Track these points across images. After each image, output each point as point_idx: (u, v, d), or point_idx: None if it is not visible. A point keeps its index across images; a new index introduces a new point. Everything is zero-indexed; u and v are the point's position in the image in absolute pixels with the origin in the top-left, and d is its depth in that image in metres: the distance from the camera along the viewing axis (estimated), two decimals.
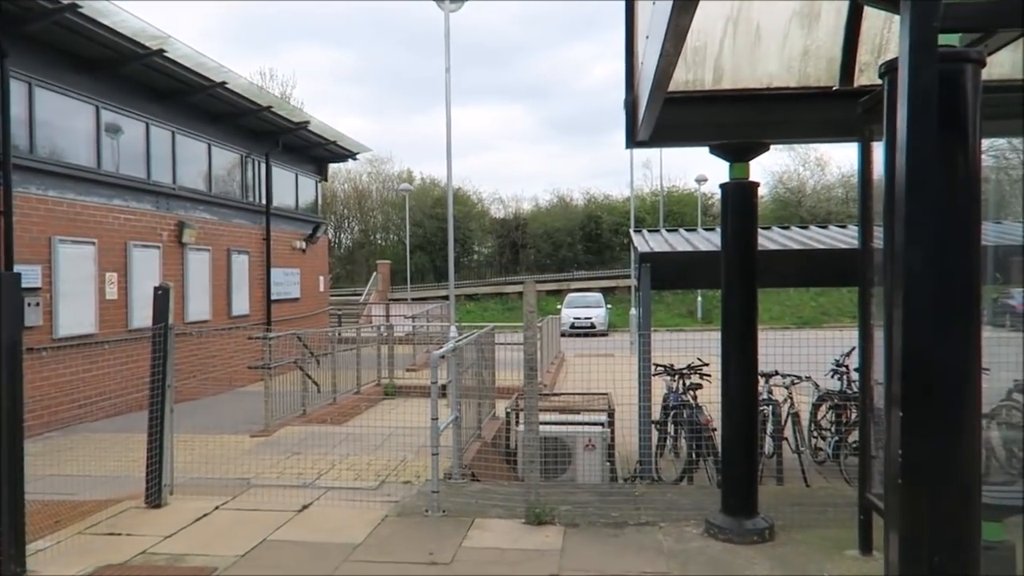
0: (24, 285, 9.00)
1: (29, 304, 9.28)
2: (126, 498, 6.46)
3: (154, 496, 6.23)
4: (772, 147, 5.93)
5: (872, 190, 4.89)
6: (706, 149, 5.82)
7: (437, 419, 6.19)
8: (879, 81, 3.84)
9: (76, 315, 10.28)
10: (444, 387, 7.08)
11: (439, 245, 44.27)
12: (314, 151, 18.72)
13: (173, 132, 12.90)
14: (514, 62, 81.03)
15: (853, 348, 8.55)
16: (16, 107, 9.33)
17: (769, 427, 8.66)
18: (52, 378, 9.78)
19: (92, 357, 10.56)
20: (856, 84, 5.32)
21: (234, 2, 68.69)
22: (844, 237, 10.36)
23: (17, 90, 9.37)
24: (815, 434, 9.62)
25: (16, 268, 9.01)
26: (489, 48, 77.75)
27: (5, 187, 8.99)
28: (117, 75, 11.08)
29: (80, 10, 9.25)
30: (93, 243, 10.70)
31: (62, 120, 10.40)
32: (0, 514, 4.51)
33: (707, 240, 10.51)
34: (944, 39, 3.03)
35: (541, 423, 6.63)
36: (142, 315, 10.87)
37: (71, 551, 5.28)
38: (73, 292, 10.24)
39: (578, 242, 47.94)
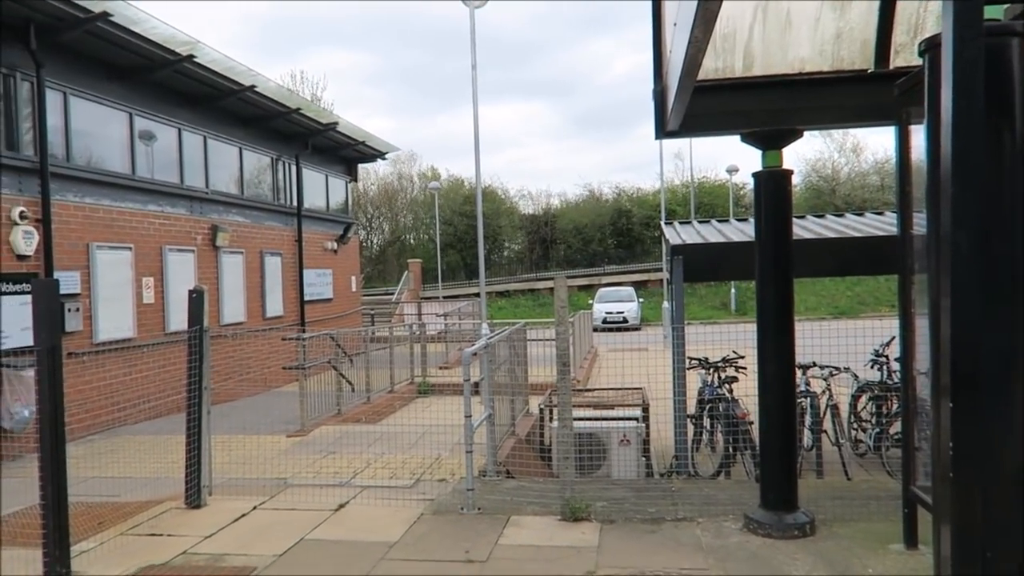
0: (64, 291, 9.23)
1: (69, 310, 9.46)
2: (166, 499, 6.55)
3: (193, 497, 6.30)
4: (806, 133, 5.80)
5: (911, 175, 4.75)
6: (737, 138, 5.72)
7: (471, 416, 6.18)
8: (916, 62, 3.72)
9: (115, 320, 10.46)
10: (477, 384, 7.06)
11: (469, 243, 44.35)
12: (343, 152, 18.84)
13: (205, 137, 13.06)
14: (535, 59, 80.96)
15: (893, 338, 8.36)
16: (52, 116, 9.51)
17: (808, 419, 8.51)
18: (93, 382, 9.96)
19: (131, 361, 10.74)
20: (892, 66, 5.17)
21: (255, 6, 69.43)
22: (881, 224, 10.14)
23: (53, 100, 9.55)
24: (855, 426, 9.43)
25: (56, 274, 9.19)
26: (509, 46, 77.68)
27: (44, 195, 9.16)
28: (149, 82, 11.24)
29: (111, 19, 9.39)
30: (130, 248, 10.87)
31: (97, 128, 10.58)
32: (46, 516, 4.59)
33: (740, 231, 10.36)
34: (989, 12, 2.92)
35: (575, 419, 6.58)
36: (178, 318, 11.03)
37: (114, 552, 5.36)
38: (111, 297, 10.42)
39: (608, 236, 47.68)
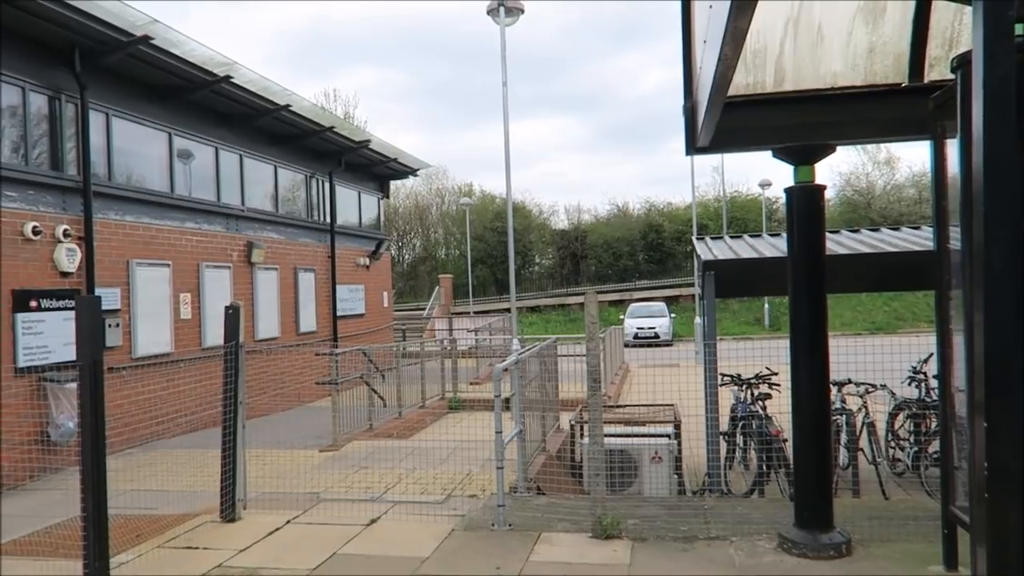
0: (105, 307, 9.45)
1: (110, 325, 9.69)
2: (202, 512, 6.65)
3: (228, 511, 6.39)
4: (839, 148, 5.76)
5: (947, 189, 4.69)
6: (769, 153, 5.70)
7: (501, 432, 6.19)
8: (951, 76, 3.69)
9: (153, 335, 10.68)
10: (507, 400, 7.07)
11: (500, 258, 44.48)
12: (375, 169, 19.08)
13: (241, 155, 13.33)
14: (564, 73, 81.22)
15: (931, 354, 8.20)
16: (95, 137, 9.79)
17: (843, 437, 8.37)
18: (132, 396, 10.17)
19: (168, 375, 10.94)
20: (927, 79, 5.13)
21: (290, 27, 70.77)
22: (918, 239, 9.98)
23: (96, 121, 9.83)
24: (893, 444, 9.25)
25: (97, 291, 9.42)
26: (538, 61, 78.10)
27: (86, 214, 9.41)
28: (187, 102, 11.52)
29: (152, 42, 9.66)
30: (168, 265, 11.11)
31: (137, 147, 10.86)
32: (86, 528, 4.69)
33: (772, 246, 10.27)
34: (1021, 29, 2.89)
35: (606, 435, 6.56)
36: (214, 334, 11.21)
37: (151, 565, 5.45)
38: (150, 312, 10.64)
39: (639, 251, 47.50)
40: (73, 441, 8.36)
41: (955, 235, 4.31)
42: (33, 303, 8.58)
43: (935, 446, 7.70)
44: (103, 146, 10.06)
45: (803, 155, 5.48)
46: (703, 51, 4.26)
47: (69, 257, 9.11)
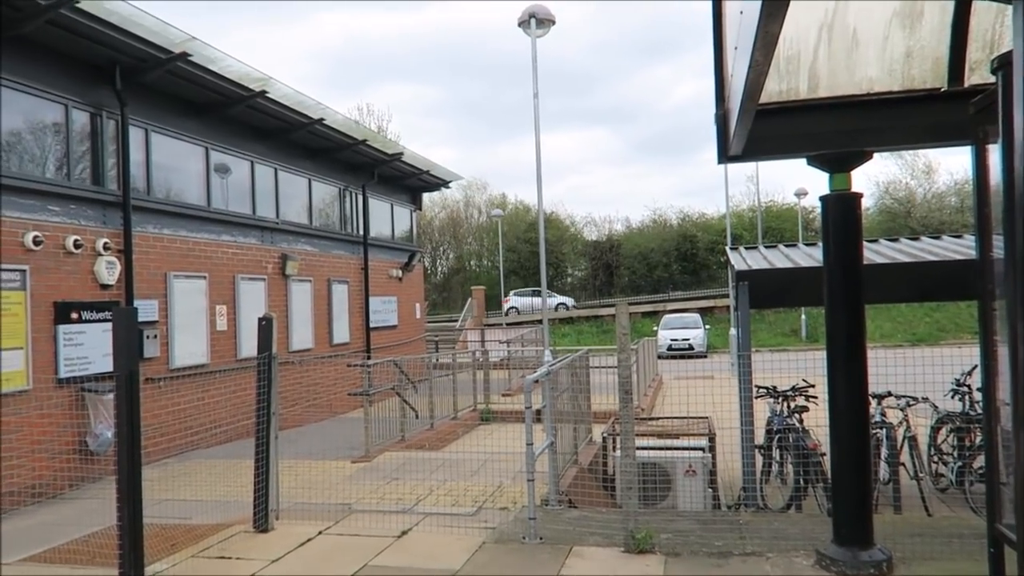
0: (143, 319, 9.63)
1: (148, 337, 9.85)
2: (236, 522, 6.70)
3: (261, 521, 6.43)
4: (876, 156, 5.63)
5: (989, 195, 4.55)
6: (803, 161, 5.60)
7: (532, 444, 6.14)
8: (992, 79, 3.58)
9: (189, 346, 10.84)
10: (539, 412, 7.02)
11: (532, 269, 44.46)
12: (408, 181, 19.21)
13: (276, 169, 13.51)
14: (595, 86, 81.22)
15: (975, 366, 7.96)
16: (134, 152, 10.00)
17: (884, 451, 8.17)
18: (168, 406, 10.32)
19: (204, 386, 11.09)
20: (967, 83, 5.00)
21: (325, 44, 71.82)
22: (960, 247, 9.74)
23: (135, 136, 10.05)
24: (935, 459, 9.00)
25: (135, 302, 9.60)
26: (568, 75, 78.19)
27: (126, 227, 9.61)
28: (224, 117, 11.72)
29: (191, 58, 9.85)
30: (204, 277, 11.29)
31: (175, 162, 11.07)
32: (122, 537, 4.75)
33: (808, 256, 10.09)
34: None
35: (639, 448, 6.47)
36: (249, 345, 11.34)
37: (186, 574, 5.50)
38: (187, 324, 10.81)
39: (673, 262, 47.10)
40: (110, 451, 8.50)
41: (998, 243, 4.18)
42: (74, 315, 8.77)
43: (980, 461, 7.46)
44: (142, 161, 10.28)
45: (838, 162, 5.37)
46: (734, 57, 4.21)
47: (109, 270, 9.29)
